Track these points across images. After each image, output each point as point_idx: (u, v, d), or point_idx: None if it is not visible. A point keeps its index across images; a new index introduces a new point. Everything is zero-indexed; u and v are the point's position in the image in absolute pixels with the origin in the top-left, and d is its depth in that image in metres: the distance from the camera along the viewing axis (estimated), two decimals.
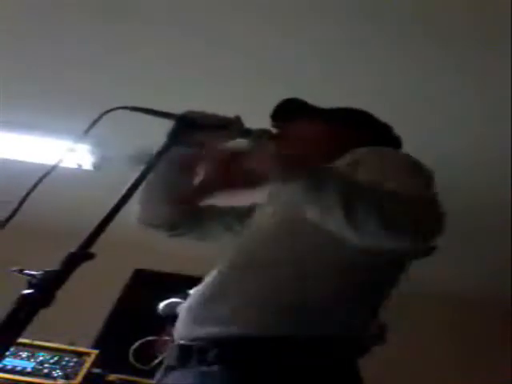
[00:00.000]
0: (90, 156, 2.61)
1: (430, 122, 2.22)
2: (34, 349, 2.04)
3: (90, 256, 0.69)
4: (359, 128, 1.11)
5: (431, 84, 2.06)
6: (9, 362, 1.97)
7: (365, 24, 1.84)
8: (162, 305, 2.23)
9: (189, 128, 0.95)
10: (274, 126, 1.12)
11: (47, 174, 0.83)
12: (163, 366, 0.96)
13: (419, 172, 0.92)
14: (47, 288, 0.64)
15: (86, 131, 0.89)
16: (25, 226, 3.23)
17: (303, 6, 1.82)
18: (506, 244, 2.75)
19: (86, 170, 2.75)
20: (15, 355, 2.01)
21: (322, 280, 0.86)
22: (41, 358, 2.01)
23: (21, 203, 0.79)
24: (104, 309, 3.18)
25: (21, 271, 0.67)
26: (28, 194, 0.80)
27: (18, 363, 1.98)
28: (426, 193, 0.85)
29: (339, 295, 0.87)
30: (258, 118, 1.05)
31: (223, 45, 2.00)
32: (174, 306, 2.18)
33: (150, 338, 2.03)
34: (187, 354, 0.87)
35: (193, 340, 0.88)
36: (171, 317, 2.20)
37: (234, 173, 0.86)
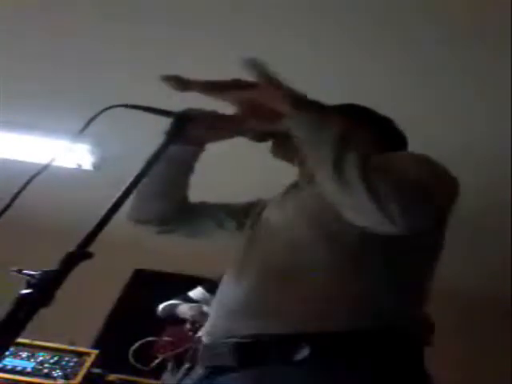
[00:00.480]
0: (90, 156, 2.61)
1: (430, 122, 2.23)
2: (33, 349, 2.03)
3: (89, 255, 0.68)
4: (359, 123, 1.08)
5: (431, 84, 2.06)
6: (9, 361, 1.96)
7: (364, 24, 1.84)
8: (160, 306, 2.24)
9: (187, 125, 0.95)
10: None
11: (39, 173, 0.82)
12: (198, 370, 0.89)
13: (425, 164, 0.88)
14: (46, 288, 0.63)
15: (82, 129, 0.89)
16: (24, 226, 3.23)
17: (303, 6, 1.81)
18: (506, 244, 2.75)
19: (86, 170, 2.75)
20: (15, 355, 2.00)
21: (369, 272, 0.84)
22: (41, 358, 2.01)
23: (12, 200, 0.78)
24: (104, 309, 3.17)
25: (20, 271, 0.67)
26: (19, 193, 0.79)
27: (18, 363, 1.97)
28: (421, 178, 0.80)
29: (389, 284, 0.85)
30: None
31: (226, 44, 2.00)
32: (172, 307, 2.20)
33: (149, 338, 2.03)
34: (256, 353, 0.80)
35: (255, 337, 0.82)
36: (170, 318, 2.21)
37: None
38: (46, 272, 0.65)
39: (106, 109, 0.91)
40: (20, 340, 1.97)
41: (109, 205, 0.75)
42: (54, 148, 2.68)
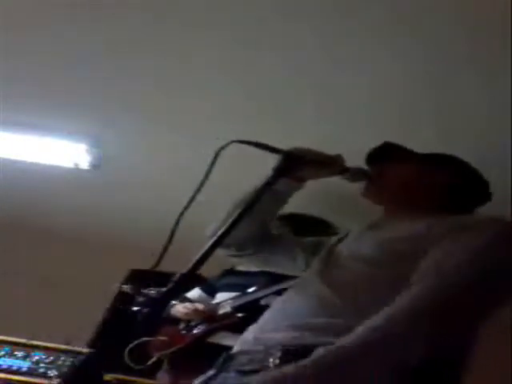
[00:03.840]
0: (87, 156, 2.61)
1: (430, 122, 2.21)
2: (29, 348, 2.03)
3: (201, 279, 0.74)
4: (452, 175, 1.15)
5: (431, 84, 2.05)
6: (4, 361, 1.96)
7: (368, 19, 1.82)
8: None
9: (295, 164, 1.05)
10: (369, 168, 1.17)
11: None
12: (227, 374, 0.91)
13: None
14: (162, 306, 0.75)
15: (210, 168, 1.01)
16: (21, 226, 3.24)
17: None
18: None
19: (83, 170, 2.74)
20: (11, 355, 2.01)
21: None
22: (36, 358, 2.01)
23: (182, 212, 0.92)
24: (100, 308, 3.17)
25: (136, 291, 0.73)
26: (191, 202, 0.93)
27: (14, 363, 1.97)
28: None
29: None
30: None
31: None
32: (168, 307, 2.19)
33: (144, 339, 2.03)
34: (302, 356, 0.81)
35: (299, 345, 0.84)
36: (165, 318, 2.20)
37: None
38: (160, 292, 0.74)
39: (225, 146, 1.00)
40: (16, 339, 1.98)
41: (220, 232, 0.86)
42: (54, 148, 2.69)
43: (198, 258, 0.78)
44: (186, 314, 2.01)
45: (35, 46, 2.16)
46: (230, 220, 0.87)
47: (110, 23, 1.99)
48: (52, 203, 3.19)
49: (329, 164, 1.10)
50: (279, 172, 1.02)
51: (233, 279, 2.16)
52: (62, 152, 2.68)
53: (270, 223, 1.24)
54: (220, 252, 1.18)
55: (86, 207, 3.05)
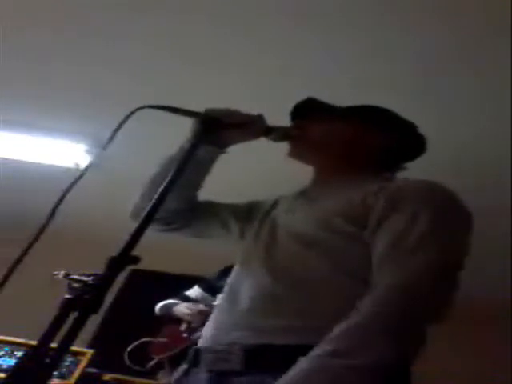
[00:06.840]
0: (87, 156, 2.61)
1: (430, 121, 2.21)
2: (29, 348, 2.02)
3: (135, 260, 0.68)
4: (381, 129, 1.07)
5: (432, 84, 2.05)
6: (3, 361, 1.96)
7: (365, 17, 1.82)
8: (158, 306, 2.24)
9: (213, 126, 0.96)
10: (293, 125, 1.10)
11: (76, 181, 0.85)
12: (200, 373, 0.87)
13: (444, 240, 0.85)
14: (98, 293, 0.64)
15: (115, 131, 0.89)
16: (21, 225, 3.23)
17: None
18: (505, 245, 2.74)
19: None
20: (11, 355, 2.00)
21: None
22: None
23: (54, 209, 0.81)
24: (101, 308, 3.17)
25: (66, 276, 0.67)
26: (61, 200, 0.82)
27: (14, 363, 1.97)
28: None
29: None
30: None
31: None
32: (169, 306, 2.20)
33: (144, 339, 2.03)
34: (264, 358, 0.80)
35: (261, 345, 0.81)
36: (167, 317, 2.21)
37: None
38: (95, 277, 0.65)
39: (135, 110, 0.91)
40: (15, 339, 1.98)
41: (147, 207, 0.77)
42: (54, 148, 2.69)
43: (129, 238, 0.70)
44: (189, 315, 2.01)
45: (35, 46, 2.16)
46: (157, 195, 0.79)
47: (110, 23, 1.99)
48: (52, 203, 3.19)
49: (249, 125, 1.03)
50: (198, 138, 0.93)
51: None
52: (62, 152, 2.69)
53: (196, 193, 1.15)
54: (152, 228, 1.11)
55: (86, 207, 3.05)
